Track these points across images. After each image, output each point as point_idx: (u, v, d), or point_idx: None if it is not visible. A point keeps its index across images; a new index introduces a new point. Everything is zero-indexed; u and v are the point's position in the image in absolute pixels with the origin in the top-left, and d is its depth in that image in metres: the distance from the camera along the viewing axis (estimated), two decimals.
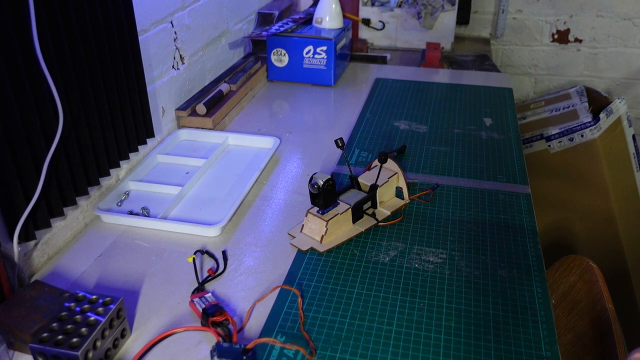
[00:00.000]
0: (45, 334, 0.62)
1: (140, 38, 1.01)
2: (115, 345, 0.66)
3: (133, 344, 0.68)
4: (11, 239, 0.74)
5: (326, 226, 0.83)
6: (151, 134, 1.04)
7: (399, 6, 1.75)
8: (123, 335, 0.68)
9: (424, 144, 1.15)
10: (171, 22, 1.14)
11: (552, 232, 1.70)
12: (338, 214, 0.85)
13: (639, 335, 1.64)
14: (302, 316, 0.71)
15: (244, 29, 1.54)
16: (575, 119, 1.67)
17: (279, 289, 0.76)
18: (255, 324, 0.71)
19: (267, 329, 0.69)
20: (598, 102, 1.77)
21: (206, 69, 1.33)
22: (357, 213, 0.88)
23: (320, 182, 0.81)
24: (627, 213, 1.66)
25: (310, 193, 0.84)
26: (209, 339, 0.69)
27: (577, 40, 2.02)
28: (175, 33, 1.16)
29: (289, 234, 0.88)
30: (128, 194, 0.98)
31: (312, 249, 0.84)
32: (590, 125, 1.62)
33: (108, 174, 0.93)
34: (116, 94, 0.91)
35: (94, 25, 0.84)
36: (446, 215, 0.92)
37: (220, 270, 0.80)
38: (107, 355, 0.65)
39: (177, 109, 1.20)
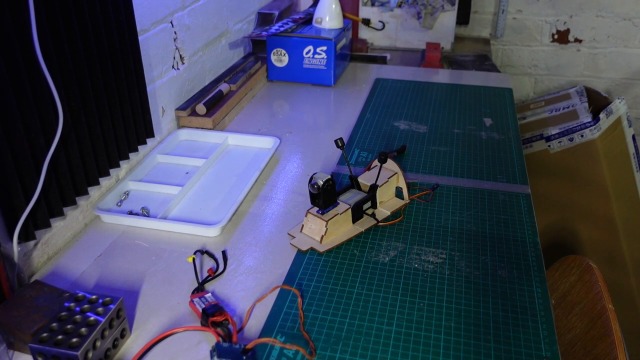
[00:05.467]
0: (45, 334, 0.62)
1: (140, 38, 1.01)
2: (115, 345, 0.66)
3: (133, 344, 0.68)
4: (11, 239, 0.74)
5: (326, 226, 0.83)
6: (151, 134, 1.04)
7: (399, 6, 1.75)
8: (123, 335, 0.68)
9: (424, 144, 1.15)
10: (171, 22, 1.14)
11: (552, 232, 1.70)
12: (338, 214, 0.85)
13: (639, 335, 1.64)
14: (302, 316, 0.71)
15: (244, 29, 1.54)
16: (575, 119, 1.67)
17: (278, 289, 0.76)
18: (255, 324, 0.71)
19: (267, 329, 0.69)
20: (598, 102, 1.77)
21: (206, 69, 1.33)
22: (357, 213, 0.88)
23: (320, 182, 0.81)
24: (627, 213, 1.66)
25: (310, 193, 0.84)
26: (208, 339, 0.69)
27: (577, 40, 2.02)
28: (175, 33, 1.16)
29: (288, 234, 0.88)
30: (128, 194, 0.98)
31: (312, 249, 0.84)
32: (590, 126, 1.62)
33: (108, 174, 0.93)
34: (116, 94, 0.91)
35: (94, 25, 0.84)
36: (446, 215, 0.92)
37: (220, 270, 0.80)
38: (107, 355, 0.65)
39: (177, 109, 1.20)
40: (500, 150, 1.12)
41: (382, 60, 1.66)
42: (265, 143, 1.14)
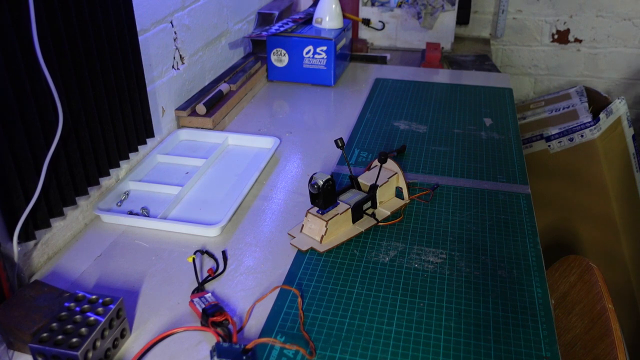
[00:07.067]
0: (44, 334, 0.62)
1: (140, 38, 1.01)
2: (115, 345, 0.66)
3: (133, 344, 0.68)
4: (11, 239, 0.74)
5: (326, 226, 0.83)
6: (151, 134, 1.04)
7: (399, 6, 1.75)
8: (123, 335, 0.68)
9: (424, 144, 1.15)
10: (171, 22, 1.14)
11: (552, 232, 1.70)
12: (338, 214, 0.85)
13: (639, 335, 1.64)
14: (302, 316, 0.71)
15: (244, 29, 1.54)
16: (575, 119, 1.67)
17: (278, 289, 0.76)
18: (255, 324, 0.71)
19: (267, 329, 0.69)
20: (598, 102, 1.77)
21: (206, 69, 1.33)
22: (357, 213, 0.88)
23: (320, 182, 0.81)
24: (627, 213, 1.66)
25: (310, 193, 0.84)
26: (208, 339, 0.69)
27: (577, 40, 2.02)
28: (175, 33, 1.16)
29: (288, 234, 0.88)
30: (128, 194, 0.98)
31: (312, 249, 0.84)
32: (590, 126, 1.62)
33: (108, 174, 0.93)
34: (116, 94, 0.91)
35: (94, 25, 0.84)
36: (446, 215, 0.92)
37: (220, 270, 0.80)
38: (107, 355, 0.65)
39: (177, 109, 1.20)
40: (500, 150, 1.12)
41: (382, 60, 1.66)
42: (265, 143, 1.14)
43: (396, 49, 1.80)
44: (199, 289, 0.76)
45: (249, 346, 0.63)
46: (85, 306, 0.66)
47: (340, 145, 0.88)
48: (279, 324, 0.70)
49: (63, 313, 0.65)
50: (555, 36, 2.02)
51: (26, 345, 0.65)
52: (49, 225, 0.80)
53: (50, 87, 0.73)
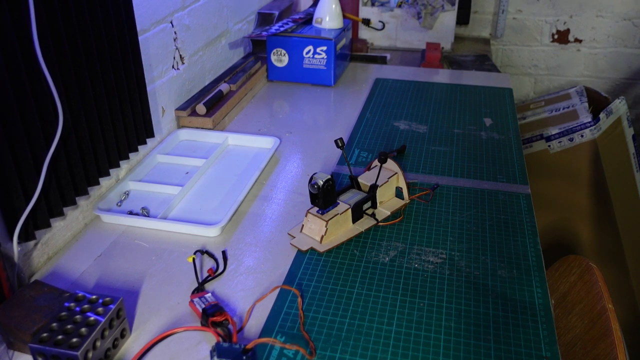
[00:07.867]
0: (44, 334, 0.62)
1: (140, 38, 1.01)
2: (115, 345, 0.66)
3: (133, 344, 0.68)
4: (11, 239, 0.74)
5: (326, 226, 0.83)
6: (151, 134, 1.04)
7: (399, 6, 1.75)
8: (123, 335, 0.68)
9: (424, 144, 1.15)
10: (171, 22, 1.14)
11: (552, 232, 1.70)
12: (338, 214, 0.85)
13: (639, 335, 1.64)
14: (302, 316, 0.71)
15: (244, 29, 1.54)
16: (575, 119, 1.67)
17: (278, 289, 0.76)
18: (255, 324, 0.71)
19: (267, 329, 0.69)
20: (598, 102, 1.77)
21: (206, 69, 1.33)
22: (357, 213, 0.88)
23: (320, 182, 0.81)
24: (627, 213, 1.66)
25: (310, 193, 0.84)
26: (208, 339, 0.69)
27: (577, 40, 2.02)
28: (175, 33, 1.16)
29: (288, 234, 0.88)
30: (128, 194, 0.98)
31: (312, 249, 0.84)
32: (590, 126, 1.62)
33: (108, 174, 0.93)
34: (116, 94, 0.91)
35: (94, 25, 0.84)
36: (446, 215, 0.92)
37: (220, 270, 0.80)
38: (107, 355, 0.65)
39: (177, 109, 1.20)
40: (500, 150, 1.12)
41: (382, 60, 1.66)
42: (265, 143, 1.14)
43: (396, 49, 1.80)
44: (199, 289, 0.76)
45: (249, 346, 0.63)
46: (85, 306, 0.66)
47: (340, 145, 0.88)
48: (279, 324, 0.70)
49: (63, 313, 0.65)
50: (555, 36, 2.02)
51: (26, 345, 0.65)
52: (49, 225, 0.80)
53: (50, 87, 0.73)
